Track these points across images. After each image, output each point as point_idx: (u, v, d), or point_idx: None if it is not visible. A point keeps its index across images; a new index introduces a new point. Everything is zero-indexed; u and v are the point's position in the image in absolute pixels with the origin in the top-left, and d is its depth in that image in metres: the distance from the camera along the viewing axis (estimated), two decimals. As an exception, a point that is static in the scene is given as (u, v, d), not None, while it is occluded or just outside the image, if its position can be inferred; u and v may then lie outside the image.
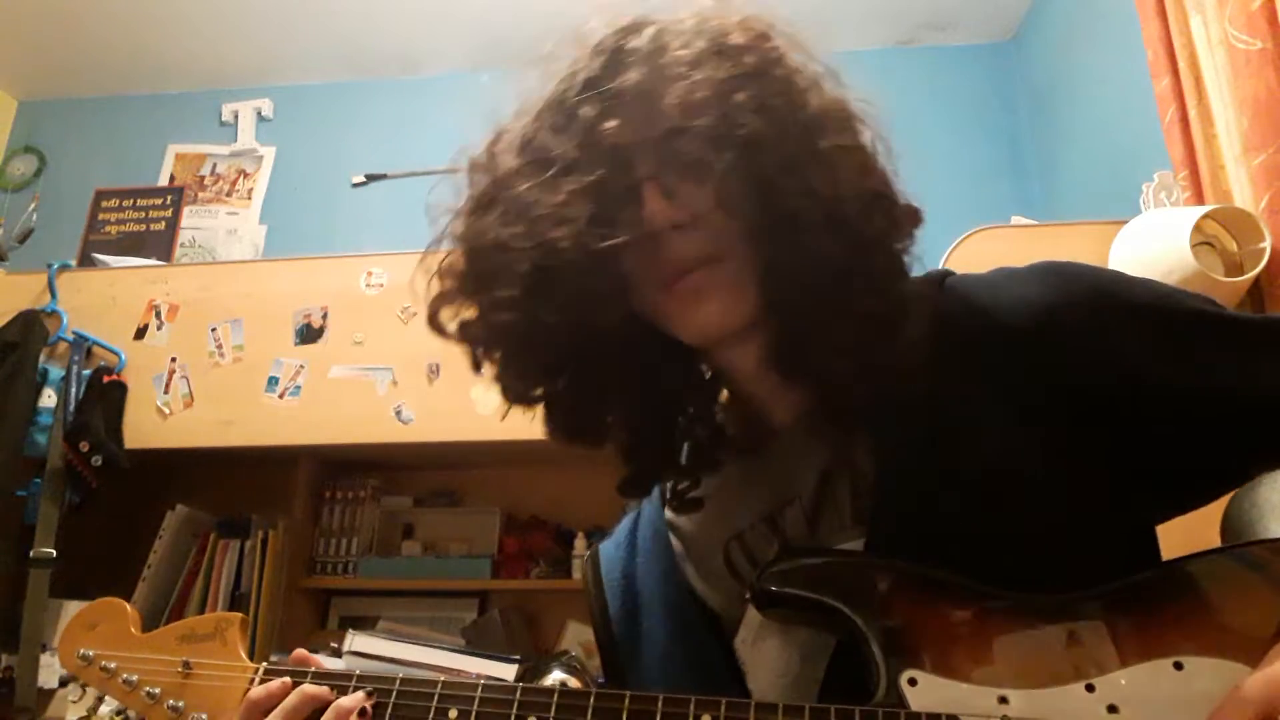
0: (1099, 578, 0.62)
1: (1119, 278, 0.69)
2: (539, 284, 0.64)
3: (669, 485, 0.80)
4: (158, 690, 0.74)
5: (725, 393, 0.78)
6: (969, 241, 1.82)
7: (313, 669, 0.72)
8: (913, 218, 0.69)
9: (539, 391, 0.73)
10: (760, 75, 0.64)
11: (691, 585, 0.77)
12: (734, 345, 0.70)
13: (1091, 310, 0.66)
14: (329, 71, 3.21)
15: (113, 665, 0.76)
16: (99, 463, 2.04)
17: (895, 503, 0.66)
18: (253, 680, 0.72)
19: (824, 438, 0.70)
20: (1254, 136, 1.56)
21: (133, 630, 0.79)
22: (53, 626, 2.00)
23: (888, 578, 0.64)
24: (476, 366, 0.72)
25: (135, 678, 0.75)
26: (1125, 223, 1.75)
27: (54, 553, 2.00)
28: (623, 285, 0.66)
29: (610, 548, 0.86)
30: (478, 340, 0.71)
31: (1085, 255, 1.73)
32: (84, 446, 2.04)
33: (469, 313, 0.71)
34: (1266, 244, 1.57)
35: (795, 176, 0.63)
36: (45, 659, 1.94)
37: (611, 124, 0.63)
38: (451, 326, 0.72)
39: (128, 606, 0.80)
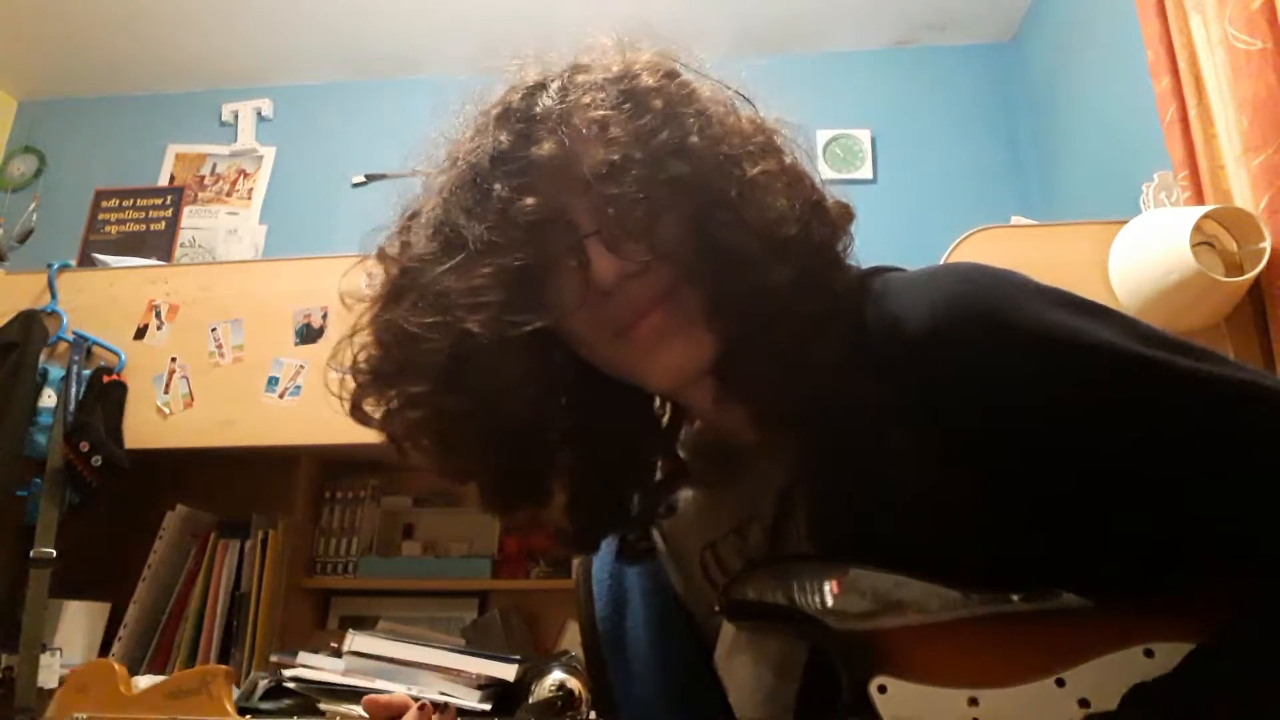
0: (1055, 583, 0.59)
1: (1019, 295, 0.62)
2: (451, 375, 0.62)
3: (620, 537, 0.78)
4: None
5: (696, 422, 0.76)
6: (969, 241, 1.82)
7: None
8: (846, 215, 0.68)
9: (469, 472, 0.70)
10: (673, 116, 0.63)
11: (674, 588, 0.77)
12: (693, 387, 0.68)
13: (973, 327, 0.60)
14: (329, 71, 3.20)
15: None
16: (99, 463, 2.03)
17: (832, 519, 0.64)
18: None
19: (783, 457, 0.68)
20: (1254, 136, 1.56)
21: (122, 689, 0.80)
22: (53, 627, 2.00)
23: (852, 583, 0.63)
24: (402, 456, 0.70)
25: None
26: (1125, 223, 1.75)
27: (54, 553, 1.99)
28: (538, 370, 0.64)
29: (603, 545, 0.86)
30: (396, 435, 0.69)
31: (1085, 255, 1.74)
32: (84, 446, 2.03)
33: (385, 405, 0.68)
34: (1266, 244, 1.56)
35: (727, 211, 0.61)
36: (45, 659, 1.94)
37: (524, 201, 0.61)
38: (377, 417, 0.69)
39: (115, 665, 0.82)
